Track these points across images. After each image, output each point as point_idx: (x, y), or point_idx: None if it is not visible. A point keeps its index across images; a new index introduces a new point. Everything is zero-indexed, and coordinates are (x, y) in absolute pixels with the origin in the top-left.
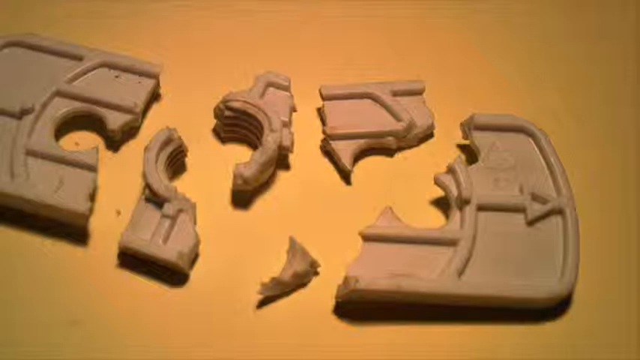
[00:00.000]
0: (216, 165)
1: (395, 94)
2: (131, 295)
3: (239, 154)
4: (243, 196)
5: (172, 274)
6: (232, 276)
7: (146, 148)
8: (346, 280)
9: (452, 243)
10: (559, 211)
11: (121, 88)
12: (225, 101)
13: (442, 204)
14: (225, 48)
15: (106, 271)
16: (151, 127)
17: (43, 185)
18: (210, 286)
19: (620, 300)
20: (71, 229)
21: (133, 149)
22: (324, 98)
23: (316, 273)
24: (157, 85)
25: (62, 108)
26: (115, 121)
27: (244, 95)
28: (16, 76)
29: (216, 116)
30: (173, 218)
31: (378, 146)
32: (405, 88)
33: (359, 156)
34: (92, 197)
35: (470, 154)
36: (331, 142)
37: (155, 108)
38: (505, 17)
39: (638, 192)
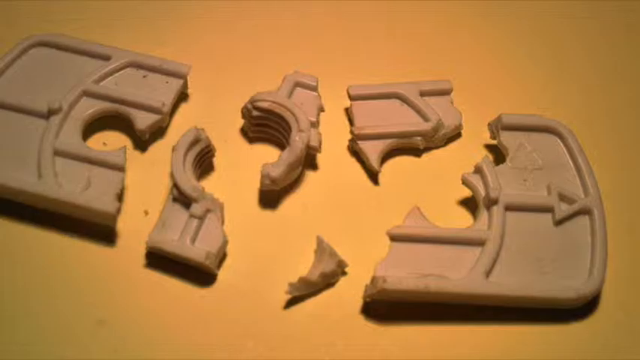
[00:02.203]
0: (244, 165)
1: (422, 93)
2: (159, 295)
3: (267, 154)
4: (270, 196)
5: (200, 274)
6: (260, 276)
7: (174, 148)
8: (374, 280)
9: (479, 243)
10: (587, 211)
11: (148, 88)
12: (252, 101)
13: (470, 204)
14: (253, 48)
15: (133, 271)
16: (179, 127)
17: (70, 185)
18: (237, 286)
19: None
20: (99, 229)
21: (160, 149)
22: (351, 98)
23: (344, 273)
24: (185, 85)
25: (90, 108)
26: (142, 121)
27: (272, 95)
28: (44, 76)
29: (243, 116)
30: (201, 218)
31: (406, 146)
32: (433, 87)
33: (386, 156)
34: (120, 197)
35: (497, 154)
36: (359, 142)
37: (183, 108)
38: (534, 16)
39: None
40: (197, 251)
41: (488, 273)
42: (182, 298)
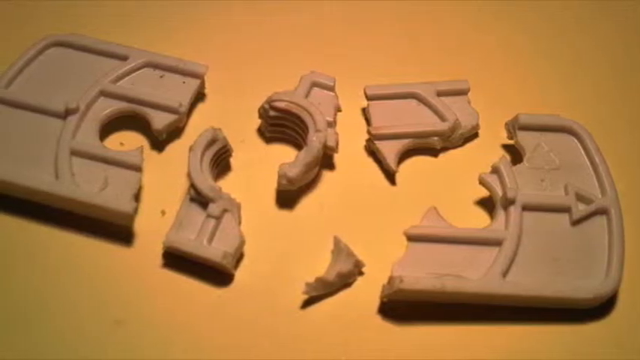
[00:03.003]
0: (260, 165)
1: (440, 93)
2: (176, 295)
3: (284, 154)
4: (287, 196)
5: (217, 275)
6: (277, 276)
7: (191, 148)
8: (391, 279)
9: (496, 243)
10: (604, 211)
11: (165, 88)
12: (269, 101)
13: (487, 204)
14: (270, 48)
15: (150, 271)
16: (196, 127)
17: (87, 185)
18: (254, 286)
19: None
20: (116, 229)
21: (177, 149)
22: (368, 98)
23: (361, 273)
24: (202, 85)
25: (107, 108)
26: (159, 121)
27: (289, 95)
28: (61, 76)
29: (260, 116)
30: (218, 218)
31: (423, 146)
32: (450, 87)
33: (403, 156)
34: (137, 197)
35: (515, 154)
36: (376, 142)
37: (200, 108)
38: (551, 17)
39: None
40: (214, 251)
41: (505, 273)
42: (199, 298)
